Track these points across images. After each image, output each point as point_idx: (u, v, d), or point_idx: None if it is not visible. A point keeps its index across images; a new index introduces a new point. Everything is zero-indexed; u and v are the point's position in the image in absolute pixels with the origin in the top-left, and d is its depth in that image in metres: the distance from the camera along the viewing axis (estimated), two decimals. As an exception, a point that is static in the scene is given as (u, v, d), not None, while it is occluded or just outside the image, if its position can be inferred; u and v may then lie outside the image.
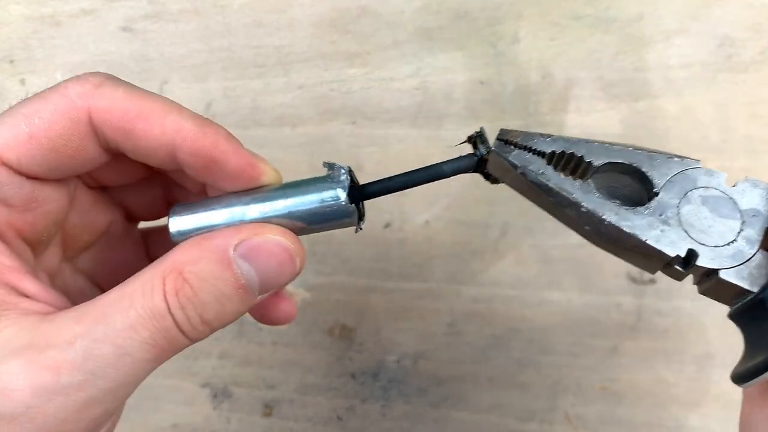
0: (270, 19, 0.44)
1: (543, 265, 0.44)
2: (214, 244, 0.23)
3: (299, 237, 0.26)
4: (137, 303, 0.22)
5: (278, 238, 0.24)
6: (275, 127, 0.45)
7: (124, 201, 0.30)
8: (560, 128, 0.44)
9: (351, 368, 0.46)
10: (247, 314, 0.44)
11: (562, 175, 0.25)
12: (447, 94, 0.44)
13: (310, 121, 0.45)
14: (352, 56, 0.44)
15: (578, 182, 0.25)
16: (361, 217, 0.26)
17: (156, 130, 0.24)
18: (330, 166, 0.25)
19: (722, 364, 0.43)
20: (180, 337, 0.23)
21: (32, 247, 0.26)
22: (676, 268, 0.24)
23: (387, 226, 0.45)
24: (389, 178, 0.27)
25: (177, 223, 0.25)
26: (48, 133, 0.23)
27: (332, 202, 0.25)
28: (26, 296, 0.23)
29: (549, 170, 0.25)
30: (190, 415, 0.47)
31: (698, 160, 0.25)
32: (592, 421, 0.43)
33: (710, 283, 0.24)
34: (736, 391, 0.44)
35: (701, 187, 0.24)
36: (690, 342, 0.43)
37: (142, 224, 0.32)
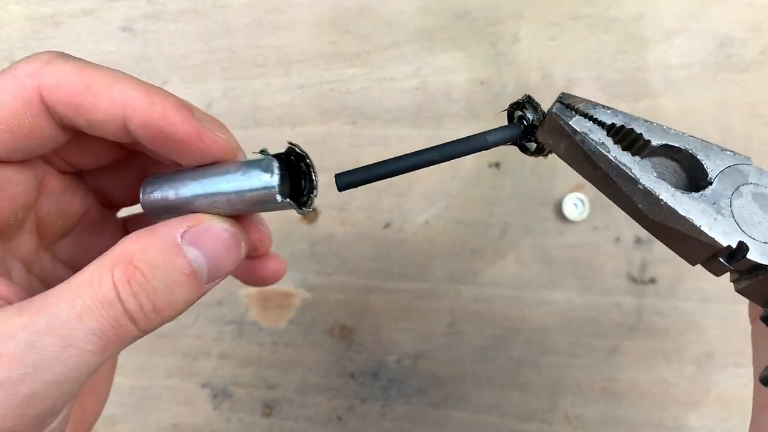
0: (270, 19, 0.44)
1: (543, 265, 0.44)
2: (162, 233, 0.23)
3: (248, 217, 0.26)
4: (84, 293, 0.22)
5: (224, 224, 0.24)
6: (275, 127, 0.45)
7: (100, 186, 0.29)
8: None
9: (351, 368, 0.46)
10: (247, 315, 0.44)
11: (620, 149, 0.24)
12: (447, 94, 0.44)
13: (310, 121, 0.45)
14: (352, 56, 0.44)
15: (636, 158, 0.24)
16: (306, 202, 0.25)
17: (104, 103, 0.23)
18: (262, 152, 0.25)
19: (722, 364, 0.43)
20: (129, 327, 0.23)
21: (0, 233, 0.25)
22: (719, 261, 0.24)
23: (387, 226, 0.45)
24: (418, 152, 0.25)
25: (147, 189, 0.26)
26: (0, 114, 0.23)
27: (265, 190, 0.24)
28: None
29: (609, 142, 0.24)
30: (190, 415, 0.47)
31: (750, 157, 0.24)
32: (592, 421, 0.43)
33: (754, 280, 0.23)
34: (736, 391, 0.44)
35: (752, 184, 0.24)
36: (690, 342, 0.43)
37: (124, 212, 0.32)
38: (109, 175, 0.29)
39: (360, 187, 0.43)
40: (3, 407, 0.21)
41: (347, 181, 0.25)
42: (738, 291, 0.25)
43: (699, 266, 0.41)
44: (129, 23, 0.45)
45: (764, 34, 0.42)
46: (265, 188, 0.24)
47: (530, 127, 0.25)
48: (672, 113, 0.43)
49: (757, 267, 0.23)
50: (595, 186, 0.25)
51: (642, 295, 0.43)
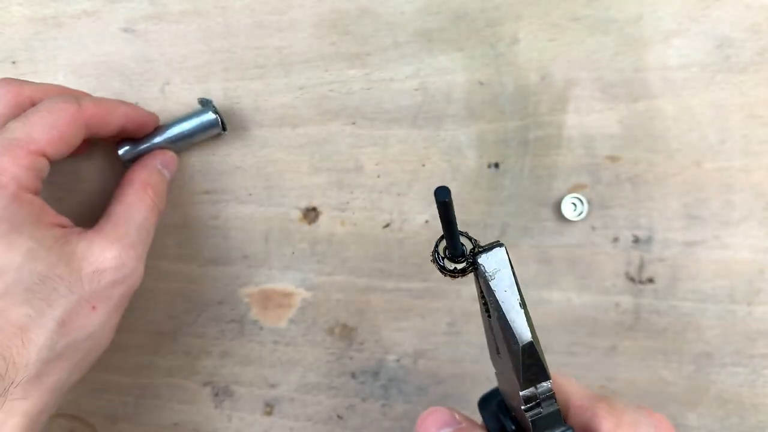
0: (271, 21, 0.44)
1: (542, 265, 0.44)
2: (151, 166, 0.42)
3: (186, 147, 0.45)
4: (141, 208, 0.40)
5: (171, 153, 0.44)
6: (276, 128, 0.45)
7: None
8: (559, 128, 0.44)
9: (351, 367, 0.46)
10: (248, 314, 0.44)
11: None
12: (447, 95, 0.44)
13: (310, 121, 0.45)
14: (352, 57, 0.44)
15: None
16: (224, 127, 0.44)
17: (115, 119, 0.41)
18: (203, 101, 0.44)
19: (720, 363, 0.43)
20: (157, 216, 0.42)
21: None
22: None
23: (387, 226, 0.45)
24: None
25: (123, 150, 0.44)
26: (67, 132, 0.38)
27: (207, 120, 0.44)
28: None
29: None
30: (192, 413, 0.47)
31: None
32: (591, 420, 0.44)
33: None
34: (735, 391, 0.44)
35: None
36: (688, 341, 0.43)
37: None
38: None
39: (360, 187, 0.44)
40: (140, 270, 0.39)
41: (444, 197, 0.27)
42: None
43: (699, 266, 0.41)
44: (130, 24, 0.45)
45: (763, 35, 0.42)
46: (210, 122, 0.44)
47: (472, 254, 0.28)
48: (670, 114, 0.43)
49: None
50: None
51: (640, 295, 0.44)
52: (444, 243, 0.29)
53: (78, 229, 0.38)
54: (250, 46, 0.45)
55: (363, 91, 0.45)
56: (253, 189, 0.46)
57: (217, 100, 0.44)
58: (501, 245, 0.28)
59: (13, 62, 0.46)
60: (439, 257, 0.29)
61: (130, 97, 0.45)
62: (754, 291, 0.43)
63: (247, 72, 0.45)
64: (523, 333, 0.28)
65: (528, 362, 0.28)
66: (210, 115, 0.43)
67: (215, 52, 0.45)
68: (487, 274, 0.28)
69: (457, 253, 0.28)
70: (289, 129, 0.45)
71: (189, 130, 0.44)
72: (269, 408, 0.47)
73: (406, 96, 0.44)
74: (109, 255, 0.37)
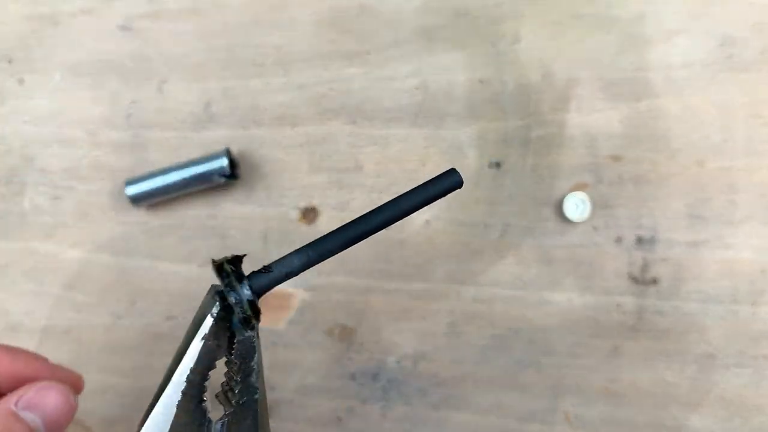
0: (269, 19, 0.44)
1: (543, 265, 0.44)
2: (1, 407, 0.29)
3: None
4: None
5: (50, 384, 0.30)
6: (275, 127, 0.45)
7: None
8: (561, 127, 0.43)
9: (351, 369, 0.46)
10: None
11: None
12: (447, 94, 0.44)
13: (309, 120, 0.45)
14: (351, 55, 0.44)
15: None
16: (236, 175, 0.44)
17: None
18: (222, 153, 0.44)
19: (723, 364, 0.43)
20: None
21: None
22: None
23: (387, 226, 0.45)
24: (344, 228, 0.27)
25: (131, 190, 0.44)
26: None
27: (219, 167, 0.43)
28: None
29: None
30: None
31: None
32: (593, 422, 0.43)
33: None
34: (737, 392, 0.44)
35: None
36: (691, 342, 0.43)
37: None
38: None
39: (360, 187, 0.43)
40: None
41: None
42: None
43: (702, 266, 0.41)
44: (128, 22, 0.44)
45: (765, 34, 0.42)
46: (222, 169, 0.43)
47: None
48: (673, 113, 0.43)
49: None
50: None
51: (643, 296, 0.43)
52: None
53: None
54: (249, 44, 0.44)
55: (363, 90, 0.44)
56: (252, 189, 0.45)
57: (216, 99, 0.44)
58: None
59: (9, 61, 0.45)
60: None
61: (127, 95, 0.44)
62: (758, 291, 0.42)
63: (246, 70, 0.45)
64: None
65: None
66: (223, 161, 0.43)
67: (213, 50, 0.44)
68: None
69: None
70: (288, 128, 0.45)
71: (199, 174, 0.43)
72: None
73: (406, 95, 0.44)
74: None
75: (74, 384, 0.33)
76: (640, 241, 0.43)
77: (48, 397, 0.29)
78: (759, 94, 0.42)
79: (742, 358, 0.43)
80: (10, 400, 0.29)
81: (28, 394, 0.29)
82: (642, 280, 0.43)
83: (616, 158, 0.43)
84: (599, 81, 0.43)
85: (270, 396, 0.46)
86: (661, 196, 0.43)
